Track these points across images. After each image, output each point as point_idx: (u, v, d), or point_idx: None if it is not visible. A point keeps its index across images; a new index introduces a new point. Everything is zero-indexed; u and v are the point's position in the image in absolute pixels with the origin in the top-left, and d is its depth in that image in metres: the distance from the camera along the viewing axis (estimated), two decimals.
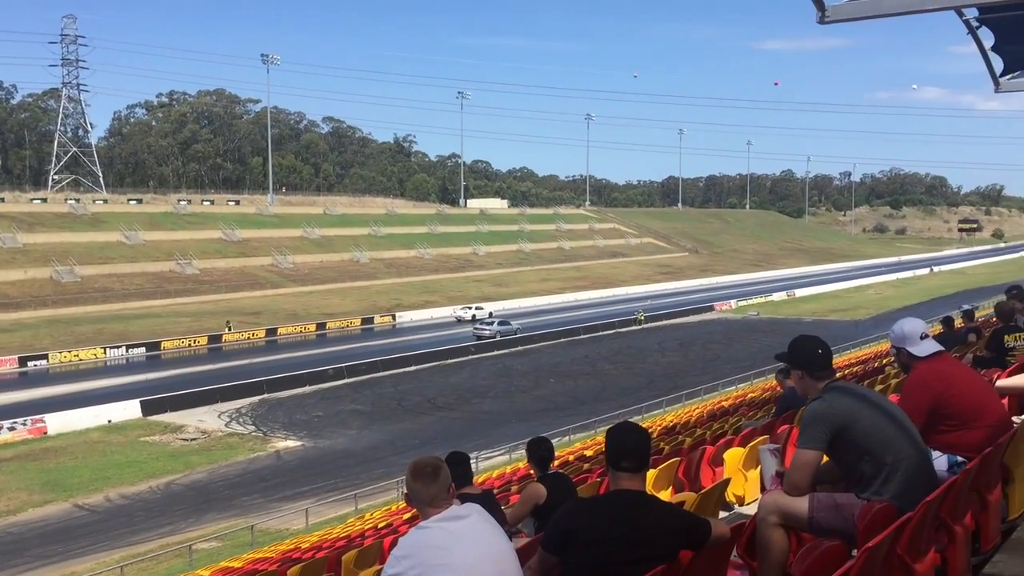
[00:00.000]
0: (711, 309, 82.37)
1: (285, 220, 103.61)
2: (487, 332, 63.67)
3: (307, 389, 46.70)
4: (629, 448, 3.36)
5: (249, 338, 62.90)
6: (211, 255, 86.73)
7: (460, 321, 72.76)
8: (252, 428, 39.28)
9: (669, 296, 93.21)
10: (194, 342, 59.89)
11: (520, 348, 59.65)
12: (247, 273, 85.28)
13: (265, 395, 44.87)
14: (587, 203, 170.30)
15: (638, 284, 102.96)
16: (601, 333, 66.80)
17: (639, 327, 70.19)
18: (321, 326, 68.07)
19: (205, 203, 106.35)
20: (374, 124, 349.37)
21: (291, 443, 36.83)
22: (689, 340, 63.83)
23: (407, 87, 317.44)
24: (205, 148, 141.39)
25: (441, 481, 3.25)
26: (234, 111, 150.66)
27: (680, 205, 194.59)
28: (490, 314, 73.25)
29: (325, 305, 76.75)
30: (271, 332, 64.67)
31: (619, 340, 64.12)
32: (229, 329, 62.76)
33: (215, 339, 61.00)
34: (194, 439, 37.28)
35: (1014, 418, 5.35)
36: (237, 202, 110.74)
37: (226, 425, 39.63)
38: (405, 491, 3.43)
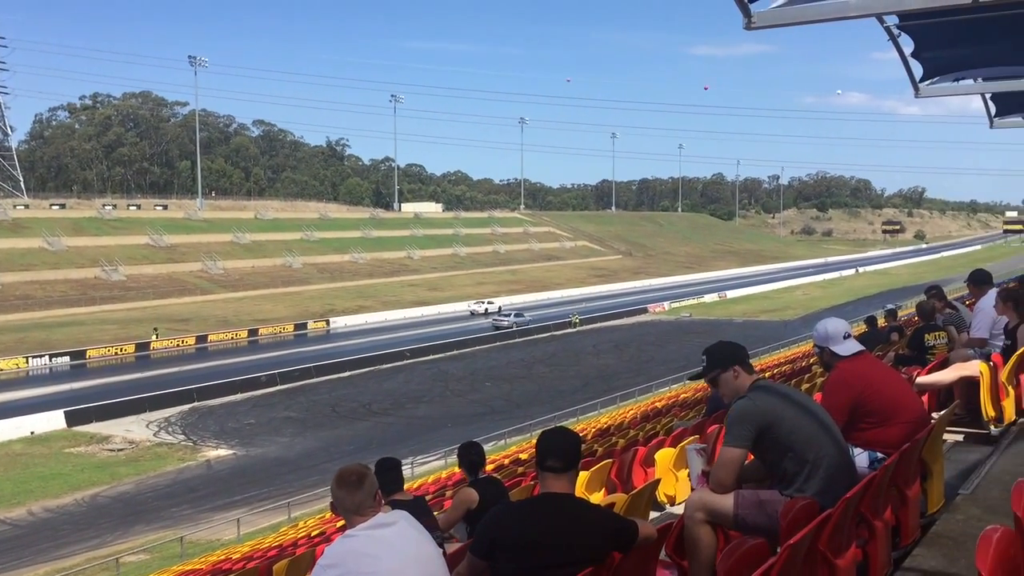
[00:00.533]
0: (645, 311, 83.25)
1: (215, 225, 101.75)
2: (505, 322, 70.41)
3: (239, 397, 45.92)
4: (555, 447, 3.38)
5: (178, 345, 61.56)
6: (138, 261, 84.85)
7: (474, 315, 78.13)
8: (182, 437, 38.48)
9: (603, 299, 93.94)
10: (121, 350, 58.41)
11: (455, 352, 59.55)
12: (176, 279, 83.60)
13: (195, 403, 43.99)
14: (522, 206, 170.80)
15: (573, 287, 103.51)
16: (536, 336, 67.06)
17: (574, 330, 70.62)
18: (253, 332, 66.98)
19: (131, 208, 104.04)
20: (306, 127, 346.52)
21: (222, 452, 36.19)
22: (623, 342, 64.43)
23: (340, 90, 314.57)
24: (131, 151, 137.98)
25: (366, 488, 3.21)
26: (161, 114, 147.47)
27: (613, 208, 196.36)
28: (499, 308, 78.90)
29: (257, 311, 75.60)
30: (201, 339, 63.41)
31: (554, 343, 64.44)
32: (156, 336, 61.37)
33: (143, 347, 59.55)
34: (121, 450, 36.39)
35: (933, 414, 5.50)
36: (165, 207, 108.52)
37: (155, 435, 38.76)
38: (331, 500, 3.37)
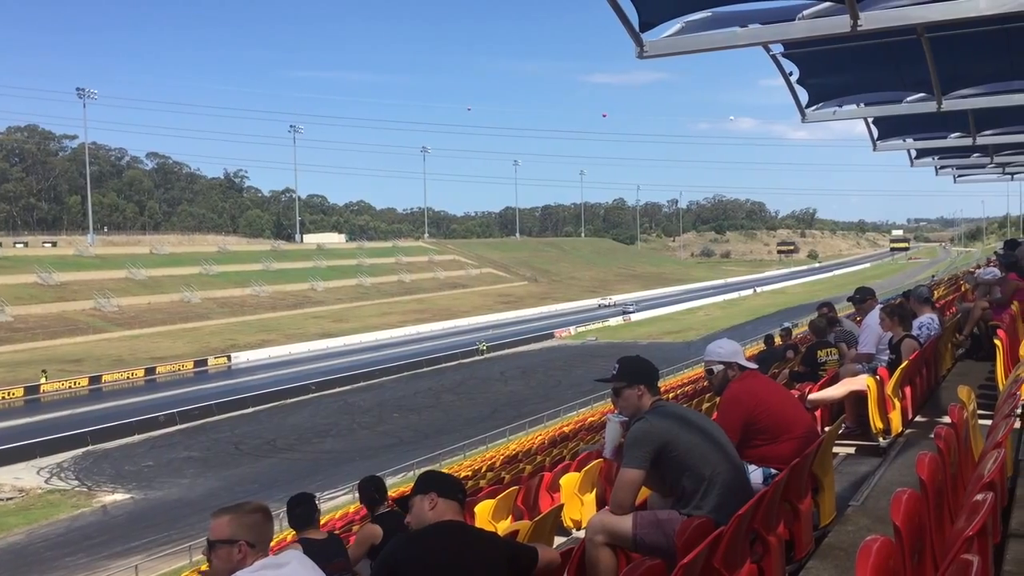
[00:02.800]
0: (551, 336, 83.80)
1: (107, 261, 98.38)
2: (631, 309, 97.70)
3: (136, 438, 44.35)
4: (449, 479, 3.42)
5: (70, 387, 59.09)
6: (25, 300, 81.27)
7: (601, 307, 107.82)
8: (76, 483, 36.93)
9: (510, 325, 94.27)
10: (8, 394, 55.81)
11: (362, 384, 58.79)
12: (67, 318, 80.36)
13: (89, 447, 42.33)
14: (426, 235, 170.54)
15: (479, 314, 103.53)
16: (444, 365, 66.77)
17: (482, 357, 70.59)
18: (150, 371, 64.81)
19: (18, 245, 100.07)
20: (202, 159, 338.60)
21: (119, 496, 34.86)
22: (531, 368, 64.68)
23: (237, 121, 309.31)
24: (16, 187, 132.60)
25: (271, 525, 3.12)
26: (48, 148, 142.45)
27: (518, 235, 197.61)
28: (614, 303, 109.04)
29: (154, 349, 73.27)
30: (95, 380, 61.03)
31: (462, 371, 64.26)
32: (45, 378, 58.79)
33: (32, 390, 57.02)
34: (10, 498, 34.74)
35: (826, 428, 5.65)
36: (54, 243, 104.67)
37: (46, 481, 37.11)
38: (216, 536, 3.04)
